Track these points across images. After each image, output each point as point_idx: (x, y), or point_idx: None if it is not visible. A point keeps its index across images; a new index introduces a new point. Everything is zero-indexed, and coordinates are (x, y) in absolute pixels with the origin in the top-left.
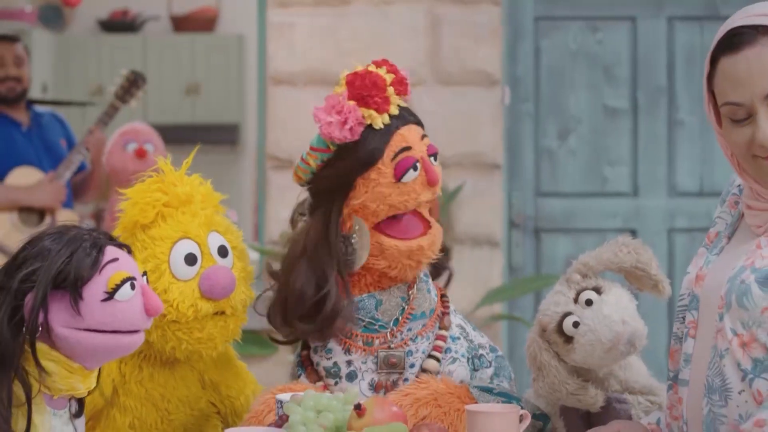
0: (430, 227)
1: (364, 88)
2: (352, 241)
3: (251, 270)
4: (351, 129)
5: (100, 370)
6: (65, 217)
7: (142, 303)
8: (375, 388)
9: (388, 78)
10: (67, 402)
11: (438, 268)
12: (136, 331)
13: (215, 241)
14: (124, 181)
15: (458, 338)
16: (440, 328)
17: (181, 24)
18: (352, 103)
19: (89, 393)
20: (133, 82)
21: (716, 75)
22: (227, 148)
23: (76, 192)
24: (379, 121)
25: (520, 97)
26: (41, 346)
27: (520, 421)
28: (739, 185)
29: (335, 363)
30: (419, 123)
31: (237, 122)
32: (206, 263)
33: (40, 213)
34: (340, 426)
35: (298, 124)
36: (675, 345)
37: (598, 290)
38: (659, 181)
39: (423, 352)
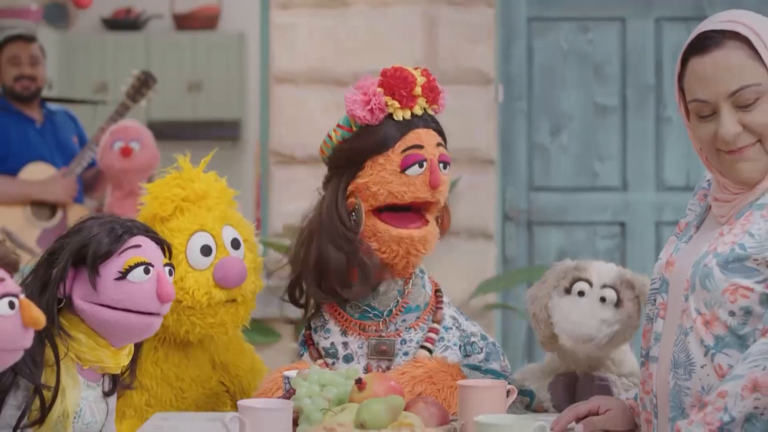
0: (426, 225)
1: (393, 80)
2: (352, 216)
3: (261, 261)
4: (371, 110)
5: (135, 354)
6: (76, 211)
7: (156, 289)
8: (366, 372)
9: (420, 80)
10: (100, 377)
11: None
12: (148, 314)
13: (229, 233)
14: (114, 179)
15: (450, 328)
16: (433, 321)
17: (184, 22)
18: (380, 89)
19: (123, 373)
20: (144, 82)
21: (686, 74)
22: (228, 144)
23: (86, 187)
24: (400, 113)
25: (514, 95)
26: (72, 318)
27: (507, 395)
28: (709, 180)
29: (332, 344)
30: (441, 133)
31: (238, 118)
32: (220, 254)
33: (52, 207)
34: (343, 399)
35: (300, 121)
36: (647, 325)
37: (618, 301)
38: (647, 175)
39: (417, 342)
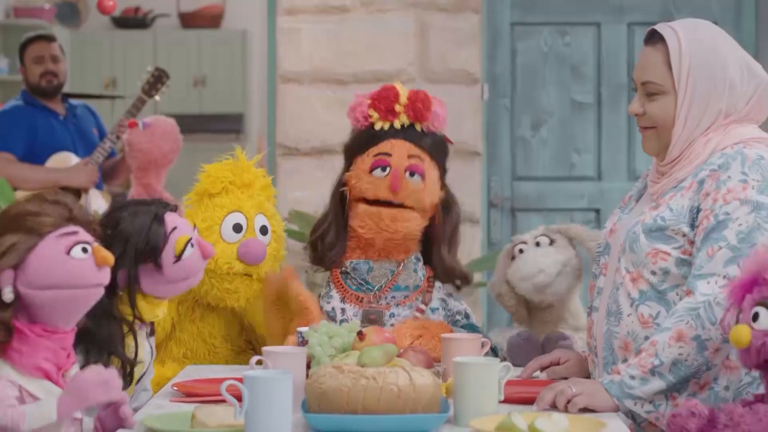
0: (401, 208)
1: (378, 95)
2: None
3: (283, 255)
4: (355, 117)
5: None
6: (97, 197)
7: (200, 253)
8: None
9: (403, 99)
10: (146, 324)
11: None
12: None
13: (260, 221)
14: (138, 154)
15: (437, 309)
16: (422, 302)
17: (189, 20)
18: (368, 100)
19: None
20: (158, 78)
21: None
22: (232, 137)
23: (105, 175)
24: (380, 124)
25: (498, 93)
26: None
27: (482, 347)
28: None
29: (333, 308)
30: (423, 147)
31: (241, 112)
32: (248, 234)
33: (76, 194)
34: (346, 347)
35: (304, 117)
36: (592, 281)
37: (551, 242)
38: (620, 166)
39: (404, 317)
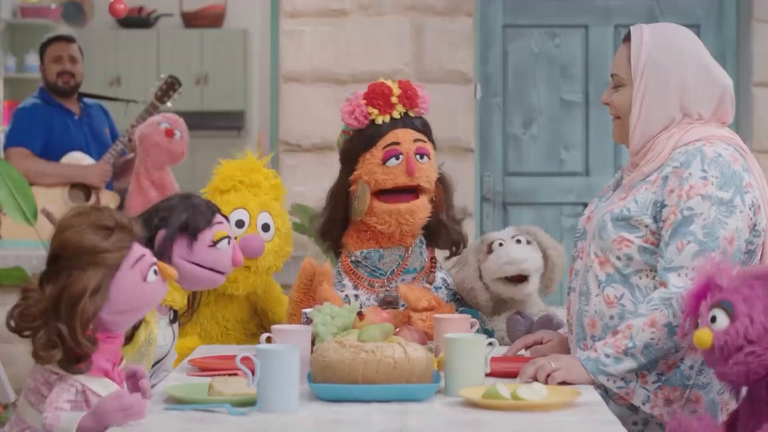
0: (414, 200)
1: (373, 92)
2: (354, 199)
3: (289, 252)
4: (356, 118)
5: (192, 295)
6: (107, 197)
7: (231, 255)
8: None
9: (396, 91)
10: (168, 310)
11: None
12: (222, 273)
13: (264, 218)
14: (143, 154)
15: (440, 287)
16: (427, 282)
17: (191, 20)
18: (363, 101)
19: (183, 314)
20: (171, 85)
21: None
22: (233, 133)
23: (115, 174)
24: (380, 118)
25: (491, 92)
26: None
27: (471, 327)
28: None
29: (346, 296)
30: (420, 130)
31: (242, 109)
32: (250, 230)
33: (87, 192)
34: (347, 326)
35: (305, 115)
36: (571, 264)
37: (528, 242)
38: (607, 162)
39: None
